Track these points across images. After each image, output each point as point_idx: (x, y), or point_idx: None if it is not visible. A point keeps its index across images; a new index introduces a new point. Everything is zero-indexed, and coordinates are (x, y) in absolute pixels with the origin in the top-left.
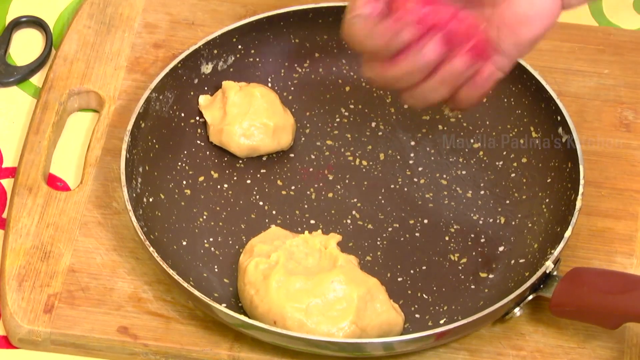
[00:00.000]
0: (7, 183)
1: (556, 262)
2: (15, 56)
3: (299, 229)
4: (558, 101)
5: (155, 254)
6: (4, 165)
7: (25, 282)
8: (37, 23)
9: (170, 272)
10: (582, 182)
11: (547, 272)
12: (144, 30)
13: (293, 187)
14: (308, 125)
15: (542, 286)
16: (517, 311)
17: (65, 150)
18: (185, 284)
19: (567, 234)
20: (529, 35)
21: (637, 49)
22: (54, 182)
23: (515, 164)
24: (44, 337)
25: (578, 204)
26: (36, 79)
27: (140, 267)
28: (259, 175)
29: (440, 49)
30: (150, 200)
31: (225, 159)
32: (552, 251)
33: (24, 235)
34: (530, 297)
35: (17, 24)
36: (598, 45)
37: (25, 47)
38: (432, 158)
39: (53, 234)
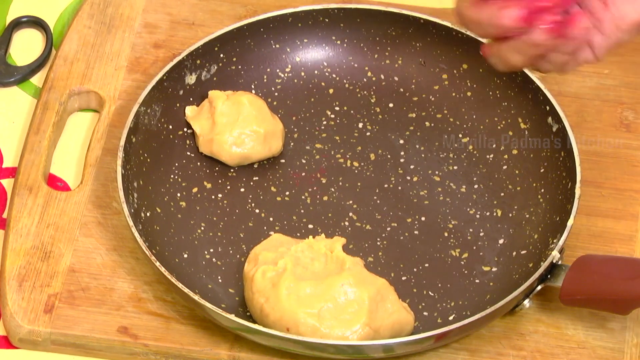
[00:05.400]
0: (7, 183)
1: (561, 251)
2: (16, 56)
3: (298, 234)
4: (546, 91)
5: (163, 269)
6: (4, 165)
7: (26, 282)
8: (37, 23)
9: (190, 293)
10: (578, 169)
11: (554, 261)
12: (144, 30)
13: (287, 193)
14: (296, 130)
15: (549, 276)
16: (526, 303)
17: (65, 150)
18: (205, 304)
19: (570, 222)
20: (631, 16)
21: (637, 49)
22: (54, 182)
23: (506, 156)
24: (44, 337)
25: (577, 192)
26: (36, 79)
27: (140, 267)
28: (252, 183)
29: (517, 18)
30: (148, 214)
31: (217, 168)
32: (555, 241)
33: (24, 236)
34: (539, 288)
35: (17, 24)
36: None
37: (25, 47)
38: (423, 155)
39: (53, 234)
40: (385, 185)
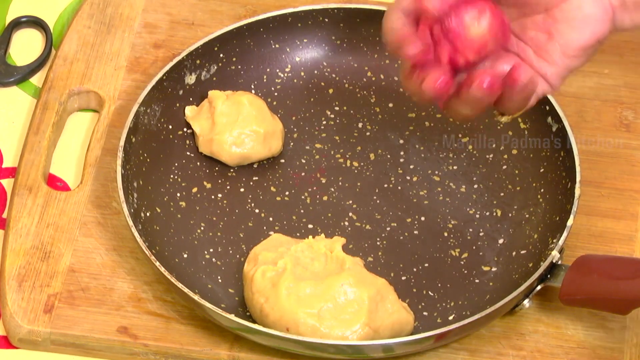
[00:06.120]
0: (7, 183)
1: (560, 251)
2: (15, 56)
3: (298, 234)
4: None
5: (163, 269)
6: (4, 165)
7: (25, 282)
8: (37, 23)
9: (190, 293)
10: (578, 169)
11: (554, 261)
12: (143, 30)
13: (287, 193)
14: (295, 130)
15: (549, 276)
16: (526, 303)
17: (65, 150)
18: (205, 304)
19: (570, 222)
20: (577, 42)
21: (637, 49)
22: (54, 182)
23: (505, 156)
24: (44, 337)
25: (577, 192)
26: (36, 79)
27: (140, 267)
28: (251, 183)
29: (447, 80)
30: (148, 214)
31: (217, 168)
32: (555, 240)
33: (24, 236)
34: (539, 288)
35: (17, 24)
36: None
37: (25, 47)
38: (422, 155)
39: (53, 234)
40: (385, 185)
